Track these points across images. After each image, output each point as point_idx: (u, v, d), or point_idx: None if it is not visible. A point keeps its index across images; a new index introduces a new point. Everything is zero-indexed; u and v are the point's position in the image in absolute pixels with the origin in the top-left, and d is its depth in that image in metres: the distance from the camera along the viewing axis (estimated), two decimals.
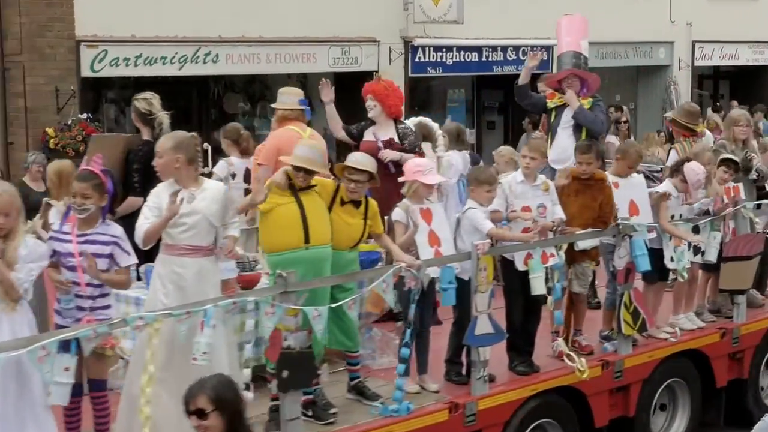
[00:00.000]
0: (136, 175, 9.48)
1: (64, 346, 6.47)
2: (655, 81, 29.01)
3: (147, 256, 8.11)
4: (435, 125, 11.98)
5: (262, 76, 22.16)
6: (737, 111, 13.40)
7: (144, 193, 8.07)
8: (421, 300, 8.40)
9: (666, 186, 10.39)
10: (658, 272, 10.32)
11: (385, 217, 8.80)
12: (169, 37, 19.56)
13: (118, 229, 7.38)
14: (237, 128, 12.10)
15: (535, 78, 12.59)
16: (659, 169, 12.03)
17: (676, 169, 10.44)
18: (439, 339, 9.12)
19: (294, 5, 20.93)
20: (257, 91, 22.93)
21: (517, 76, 12.58)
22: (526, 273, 9.05)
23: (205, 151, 12.40)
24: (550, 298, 9.20)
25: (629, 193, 10.13)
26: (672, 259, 10.22)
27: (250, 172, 11.13)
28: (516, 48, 24.44)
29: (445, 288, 8.47)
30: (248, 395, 7.40)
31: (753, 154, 12.10)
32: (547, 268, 9.08)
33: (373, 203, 8.50)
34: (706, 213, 10.77)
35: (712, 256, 10.80)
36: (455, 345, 8.98)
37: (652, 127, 22.07)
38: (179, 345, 7.14)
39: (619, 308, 9.77)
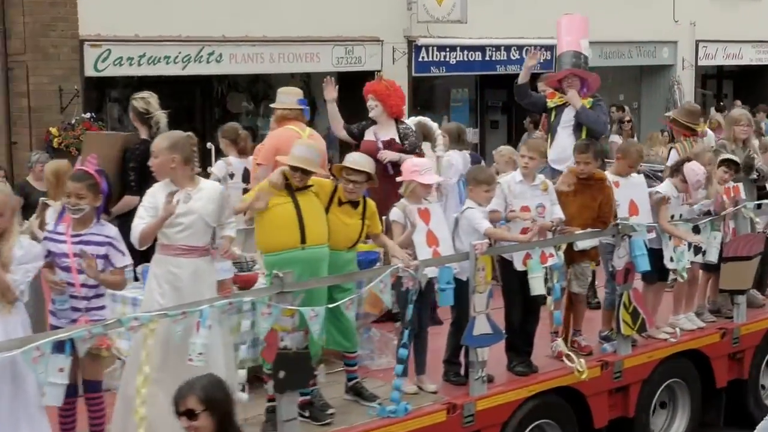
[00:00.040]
0: (133, 173, 9.50)
1: (59, 346, 6.46)
2: (658, 80, 28.98)
3: (144, 256, 8.10)
4: (434, 125, 11.98)
5: (266, 76, 22.15)
6: (738, 110, 13.39)
7: (140, 191, 8.07)
8: (419, 300, 8.39)
9: (666, 186, 10.36)
10: (658, 272, 10.29)
11: (383, 218, 8.79)
12: (172, 37, 19.57)
13: (112, 230, 7.37)
14: (235, 128, 12.09)
15: (535, 77, 12.57)
16: (662, 168, 12.01)
17: (676, 169, 10.42)
18: (438, 339, 9.10)
19: (297, 5, 20.93)
20: (261, 90, 22.92)
21: None
22: (524, 273, 9.02)
23: (209, 151, 12.40)
24: (549, 298, 9.18)
25: (629, 192, 10.11)
26: (671, 259, 10.20)
27: (249, 171, 11.12)
28: (519, 47, 24.40)
29: (443, 288, 8.45)
30: (243, 396, 7.39)
31: (755, 154, 12.08)
32: (546, 268, 9.07)
33: (371, 203, 8.50)
34: (707, 213, 10.75)
35: (713, 257, 10.77)
36: (453, 345, 8.96)
37: (656, 126, 21.98)
38: (175, 346, 7.13)
39: (619, 308, 9.75)
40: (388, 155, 10.42)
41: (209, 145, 12.25)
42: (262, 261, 8.51)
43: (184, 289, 7.40)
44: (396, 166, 10.14)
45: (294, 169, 7.94)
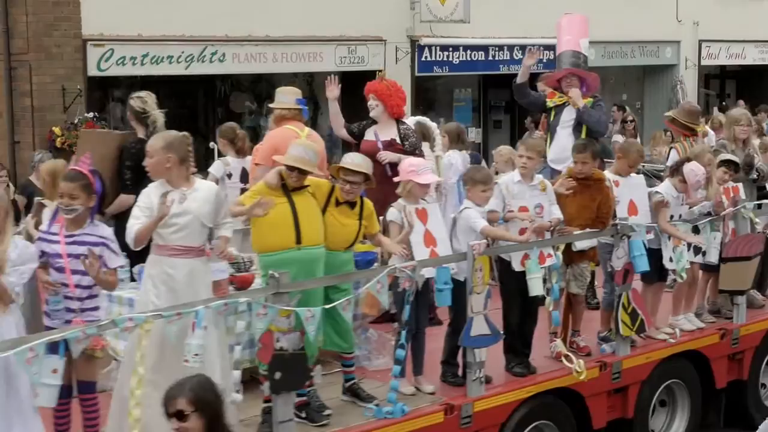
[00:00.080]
0: (128, 172, 9.51)
1: (53, 347, 6.43)
2: (661, 80, 28.96)
3: (140, 256, 8.08)
4: (433, 125, 11.96)
5: (269, 76, 22.14)
6: (738, 110, 13.37)
7: (136, 190, 8.04)
8: (417, 301, 8.37)
9: (665, 186, 10.34)
10: (657, 273, 10.27)
11: (381, 218, 8.78)
12: (175, 36, 19.57)
13: (106, 230, 7.35)
14: (233, 128, 12.07)
15: (535, 77, 12.54)
16: (663, 168, 11.99)
17: (676, 169, 10.39)
18: (436, 340, 9.07)
19: (300, 4, 20.92)
20: (264, 90, 22.89)
21: None
22: (523, 273, 9.00)
23: (212, 150, 12.40)
24: (548, 299, 9.17)
25: (629, 192, 10.09)
26: (671, 260, 10.17)
27: (247, 171, 11.11)
28: (523, 47, 24.23)
29: (440, 289, 8.42)
30: (237, 397, 7.37)
31: (754, 154, 12.06)
32: (544, 268, 9.04)
33: (368, 203, 8.48)
34: (707, 215, 10.72)
35: (713, 257, 10.75)
36: (451, 346, 8.93)
37: (659, 126, 21.93)
38: (170, 347, 7.11)
39: (617, 309, 9.72)
40: (387, 156, 10.39)
41: (212, 144, 12.26)
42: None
43: (180, 290, 7.36)
44: (395, 167, 10.11)
45: (290, 168, 7.92)
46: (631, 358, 9.91)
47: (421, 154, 10.60)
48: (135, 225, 7.36)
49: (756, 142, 12.51)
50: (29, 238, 7.74)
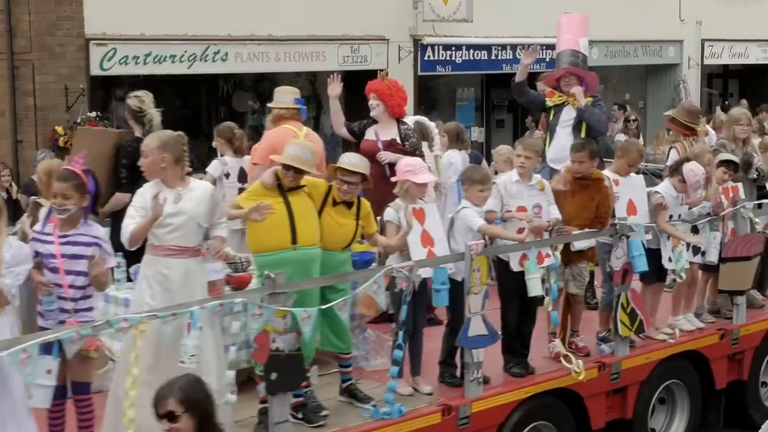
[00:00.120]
0: (124, 170, 9.53)
1: (46, 348, 6.41)
2: (664, 80, 28.95)
3: (137, 256, 8.07)
4: (432, 124, 11.94)
5: (272, 75, 22.13)
6: (738, 110, 13.35)
7: (131, 189, 8.05)
8: (414, 301, 8.35)
9: (664, 186, 10.32)
10: (656, 273, 10.24)
11: (378, 218, 8.76)
12: (178, 36, 19.60)
13: (100, 230, 7.33)
14: (230, 127, 12.07)
15: (535, 76, 12.52)
16: (664, 167, 11.98)
17: (675, 169, 10.37)
18: (433, 340, 9.05)
19: (303, 4, 20.94)
20: (267, 89, 22.85)
21: None
22: (521, 274, 8.97)
23: (214, 150, 12.39)
24: (547, 299, 9.14)
25: (628, 192, 10.06)
26: (670, 260, 10.15)
27: (245, 171, 11.10)
28: (526, 47, 24.34)
29: (438, 289, 8.40)
30: (231, 397, 7.36)
31: (754, 153, 12.04)
32: (543, 268, 9.02)
33: (365, 203, 8.46)
34: (707, 215, 10.69)
35: (713, 257, 10.73)
36: (449, 346, 8.90)
37: (662, 125, 21.82)
38: (166, 347, 7.09)
39: (616, 309, 9.69)
40: (387, 156, 10.36)
41: (215, 144, 12.24)
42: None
43: (175, 290, 7.34)
44: (395, 167, 10.09)
45: (287, 168, 7.90)
46: (630, 358, 9.88)
47: (421, 155, 10.58)
48: (130, 225, 7.34)
49: (756, 141, 12.48)
50: (24, 237, 7.71)
